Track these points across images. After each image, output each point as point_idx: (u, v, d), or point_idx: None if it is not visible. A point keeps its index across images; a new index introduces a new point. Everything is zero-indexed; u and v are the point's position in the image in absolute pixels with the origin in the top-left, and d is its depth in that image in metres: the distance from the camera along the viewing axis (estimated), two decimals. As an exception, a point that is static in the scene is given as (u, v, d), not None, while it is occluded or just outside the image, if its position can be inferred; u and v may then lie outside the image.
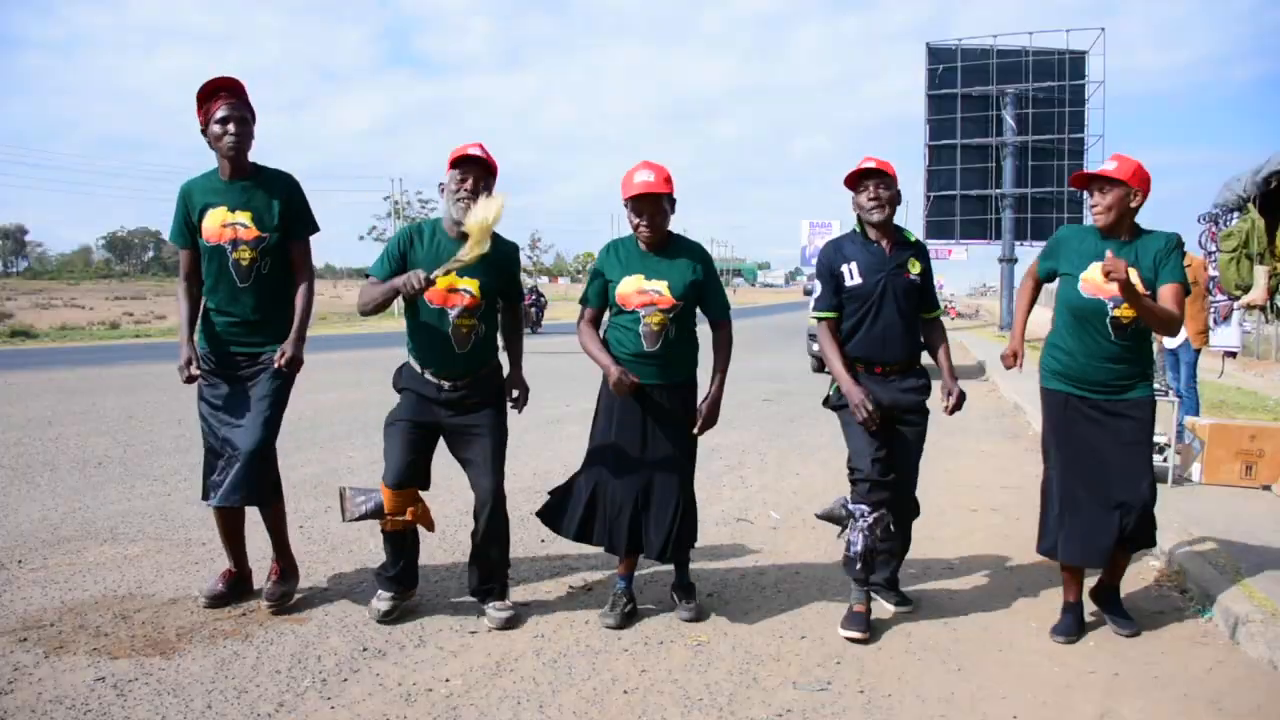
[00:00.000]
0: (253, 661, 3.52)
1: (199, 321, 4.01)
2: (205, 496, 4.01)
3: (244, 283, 3.90)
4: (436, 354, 3.93)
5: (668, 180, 3.93)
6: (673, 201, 4.00)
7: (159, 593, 4.22)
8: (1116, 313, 3.81)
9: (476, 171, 3.86)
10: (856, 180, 4.05)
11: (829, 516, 4.15)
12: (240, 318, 3.94)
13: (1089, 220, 4.05)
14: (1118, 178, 3.83)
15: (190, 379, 3.87)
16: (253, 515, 4.15)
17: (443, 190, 3.93)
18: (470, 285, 3.87)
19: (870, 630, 3.96)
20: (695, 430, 4.07)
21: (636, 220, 3.96)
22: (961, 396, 4.13)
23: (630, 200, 3.93)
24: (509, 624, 3.94)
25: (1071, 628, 3.99)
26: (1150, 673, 3.65)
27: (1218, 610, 4.15)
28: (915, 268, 4.09)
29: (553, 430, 8.97)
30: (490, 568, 4.05)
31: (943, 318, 4.41)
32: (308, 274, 4.09)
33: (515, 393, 4.12)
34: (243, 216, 3.88)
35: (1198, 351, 8.35)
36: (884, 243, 4.07)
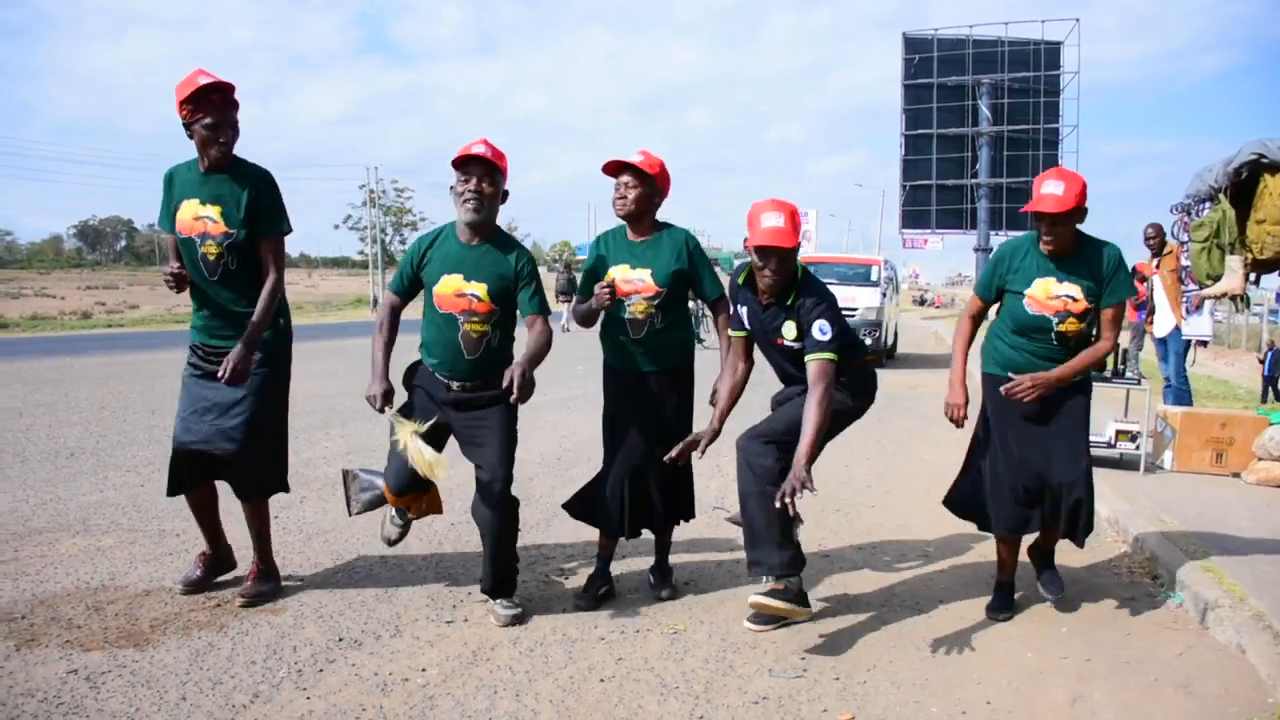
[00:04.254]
0: (228, 652, 3.49)
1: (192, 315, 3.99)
2: (171, 493, 4.02)
3: (212, 276, 3.85)
4: (446, 356, 3.88)
5: (652, 165, 3.99)
6: (657, 189, 4.04)
7: (132, 584, 4.19)
8: (1061, 328, 3.86)
9: (479, 170, 3.79)
10: None
11: (738, 522, 3.90)
12: (214, 311, 3.91)
13: None
14: (1073, 206, 3.72)
15: (178, 276, 3.78)
16: (234, 509, 4.13)
17: (452, 191, 3.87)
18: (478, 289, 3.81)
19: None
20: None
21: (615, 194, 4.03)
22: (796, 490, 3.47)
23: (610, 170, 4.03)
24: (514, 621, 3.89)
25: (1007, 604, 4.14)
26: (1121, 658, 3.69)
27: (1187, 596, 4.21)
28: (791, 333, 3.76)
29: (530, 419, 8.92)
30: (500, 567, 3.95)
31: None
32: (274, 274, 3.91)
33: (513, 376, 3.58)
34: (212, 210, 3.82)
35: (1188, 343, 8.45)
36: (762, 298, 3.82)
